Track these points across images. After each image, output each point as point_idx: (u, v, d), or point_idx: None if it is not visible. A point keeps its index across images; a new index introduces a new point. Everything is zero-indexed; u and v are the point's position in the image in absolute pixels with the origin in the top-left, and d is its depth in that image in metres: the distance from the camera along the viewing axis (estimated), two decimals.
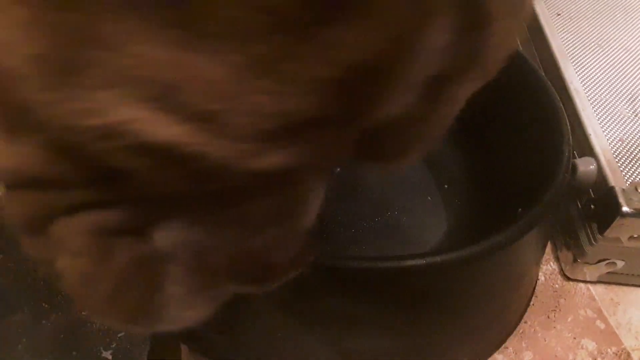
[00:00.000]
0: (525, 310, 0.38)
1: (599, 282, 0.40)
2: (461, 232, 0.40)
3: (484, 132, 0.43)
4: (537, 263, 0.38)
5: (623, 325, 0.39)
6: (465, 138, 0.45)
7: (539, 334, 0.37)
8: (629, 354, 0.37)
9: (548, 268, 0.41)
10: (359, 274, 0.27)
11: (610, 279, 0.40)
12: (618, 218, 0.34)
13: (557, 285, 0.40)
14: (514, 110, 0.40)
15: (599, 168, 0.36)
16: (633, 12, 0.52)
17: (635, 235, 0.35)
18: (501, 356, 0.36)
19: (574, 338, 0.38)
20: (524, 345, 0.37)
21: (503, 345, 0.36)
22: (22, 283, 0.30)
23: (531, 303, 0.39)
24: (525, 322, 0.38)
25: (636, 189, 0.34)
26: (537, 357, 0.36)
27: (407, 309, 0.30)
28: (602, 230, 0.35)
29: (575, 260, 0.38)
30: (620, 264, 0.37)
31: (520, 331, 0.37)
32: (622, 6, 0.53)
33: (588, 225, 0.36)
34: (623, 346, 0.37)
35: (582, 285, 0.40)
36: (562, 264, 0.40)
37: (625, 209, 0.34)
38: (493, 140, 0.42)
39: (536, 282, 0.39)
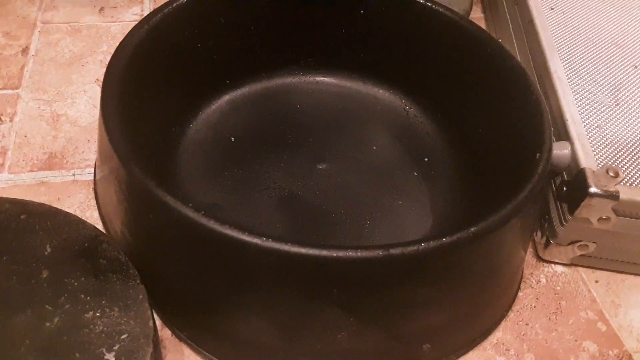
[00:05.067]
0: (513, 299, 0.39)
1: (572, 264, 0.40)
2: (448, 220, 0.41)
3: (467, 120, 0.44)
4: (524, 248, 0.39)
5: (624, 328, 0.39)
6: (448, 125, 0.46)
7: (540, 336, 0.37)
8: (630, 356, 0.37)
9: (549, 270, 0.41)
10: (327, 262, 0.28)
11: (584, 262, 0.40)
12: (587, 198, 0.34)
13: (558, 287, 0.40)
14: (493, 99, 0.41)
15: (573, 152, 0.37)
16: (625, 9, 0.53)
17: (605, 217, 0.35)
18: (503, 358, 0.36)
19: (575, 340, 0.38)
20: (525, 347, 0.37)
21: (505, 347, 0.37)
22: (25, 285, 0.31)
23: (532, 305, 0.39)
24: (527, 324, 0.38)
25: (607, 172, 0.35)
26: (538, 359, 0.36)
27: (392, 298, 0.30)
28: (572, 210, 0.36)
29: (548, 242, 0.39)
30: (592, 246, 0.38)
31: (522, 333, 0.38)
32: (615, 3, 0.53)
33: (560, 206, 0.37)
34: (624, 348, 0.38)
35: (582, 287, 0.41)
36: (537, 246, 0.41)
37: (593, 189, 0.34)
38: (476, 128, 0.43)
39: (522, 272, 0.40)
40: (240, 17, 0.46)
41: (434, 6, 0.45)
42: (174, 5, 0.41)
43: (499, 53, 0.41)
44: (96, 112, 0.48)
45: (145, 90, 0.39)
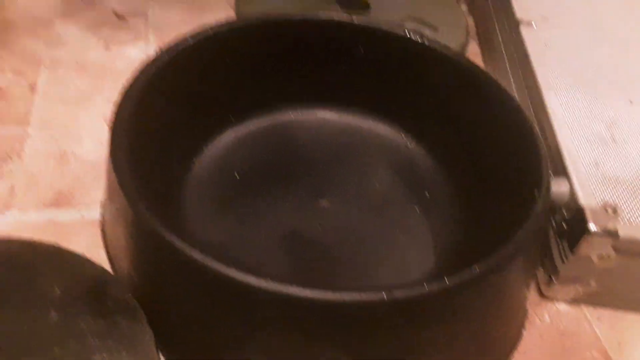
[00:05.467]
0: (518, 338, 0.38)
1: (576, 302, 0.41)
2: (450, 257, 0.41)
3: (466, 156, 0.45)
4: (528, 286, 0.39)
5: None
6: (447, 160, 0.47)
7: None
8: None
9: (553, 308, 0.41)
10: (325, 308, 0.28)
11: (587, 300, 0.41)
12: (586, 236, 0.35)
13: (562, 326, 0.40)
14: (490, 136, 0.42)
15: (571, 189, 0.38)
16: (619, 44, 0.54)
17: (605, 255, 0.36)
18: None
19: None
20: None
21: None
22: (34, 327, 0.31)
23: (537, 345, 0.39)
24: None
25: (605, 209, 0.35)
26: None
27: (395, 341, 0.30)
28: (572, 248, 0.36)
29: (550, 279, 0.40)
30: (594, 284, 0.39)
31: None
32: (608, 37, 0.55)
33: (560, 244, 0.38)
34: None
35: (586, 325, 0.41)
36: (540, 283, 0.42)
37: (592, 227, 0.35)
38: (474, 164, 0.44)
39: (526, 310, 0.40)
40: (245, 57, 0.47)
41: (430, 44, 0.47)
42: (181, 47, 0.42)
43: (495, 90, 0.42)
44: (103, 149, 0.48)
45: (152, 130, 0.39)
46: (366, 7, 0.65)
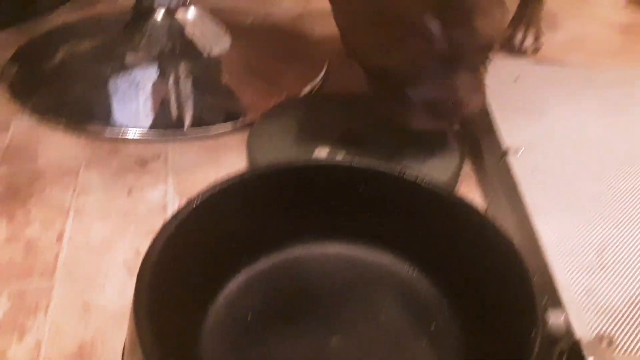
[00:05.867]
0: None
1: None
2: None
3: (467, 288, 0.47)
4: None
5: None
6: (451, 292, 0.49)
7: None
8: None
9: None
10: None
11: None
12: None
13: None
14: (485, 270, 0.44)
15: (567, 320, 0.39)
16: (605, 163, 0.58)
17: None
18: None
19: None
20: None
21: None
22: None
23: None
24: None
25: (601, 341, 0.37)
26: None
27: None
28: None
29: None
30: None
31: None
32: (595, 159, 0.59)
33: None
34: None
35: None
36: None
37: None
38: (475, 297, 0.46)
39: None
40: (256, 203, 0.51)
41: (423, 183, 0.51)
42: (198, 202, 0.47)
43: (490, 230, 0.46)
44: (123, 298, 0.52)
45: (171, 283, 0.43)
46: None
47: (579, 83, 0.75)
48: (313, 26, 1.18)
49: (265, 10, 1.25)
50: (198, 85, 0.81)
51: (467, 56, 0.57)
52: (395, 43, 0.55)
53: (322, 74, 0.93)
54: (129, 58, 0.82)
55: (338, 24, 0.63)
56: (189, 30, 0.84)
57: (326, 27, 1.16)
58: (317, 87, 0.90)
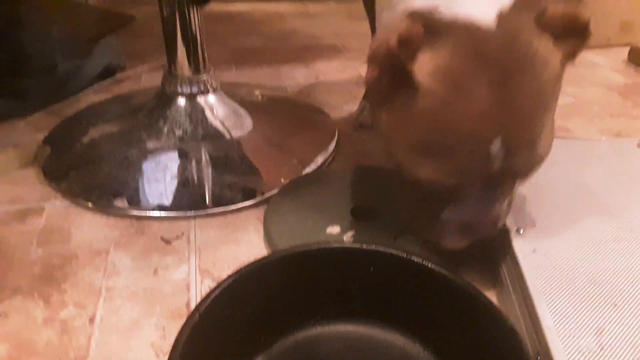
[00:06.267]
0: None
1: None
2: None
3: None
4: None
5: None
6: None
7: None
8: None
9: None
10: None
11: None
12: None
13: None
14: (490, 354, 0.47)
15: None
16: (603, 244, 0.61)
17: None
18: None
19: None
20: None
21: None
22: None
23: None
24: None
25: None
26: None
27: None
28: None
29: None
30: None
31: None
32: (593, 238, 0.62)
33: None
34: None
35: None
36: None
37: None
38: None
39: None
40: (273, 286, 0.55)
41: (429, 265, 0.55)
42: (218, 291, 0.51)
43: (490, 309, 0.49)
44: None
45: None
46: None
47: (578, 156, 0.79)
48: (323, 97, 1.25)
49: (279, 84, 1.33)
50: (218, 165, 0.87)
51: (517, 178, 0.56)
52: (451, 164, 0.52)
53: (333, 142, 0.98)
54: (153, 141, 0.89)
55: (387, 143, 0.58)
56: (209, 114, 0.90)
57: (335, 98, 1.24)
58: (330, 157, 0.95)
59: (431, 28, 0.49)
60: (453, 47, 0.49)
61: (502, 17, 0.49)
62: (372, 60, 0.52)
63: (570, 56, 0.52)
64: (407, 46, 0.48)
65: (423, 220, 0.61)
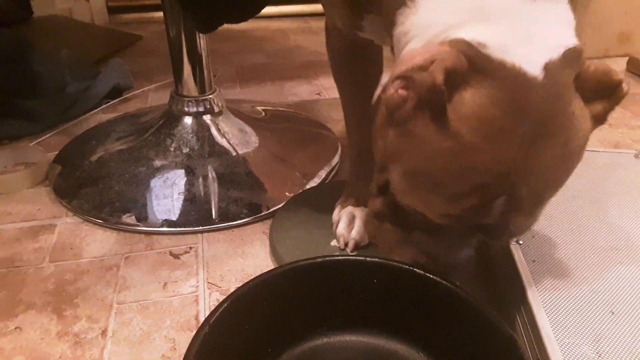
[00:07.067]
0: None
1: None
2: None
3: None
4: None
5: None
6: None
7: None
8: None
9: None
10: None
11: None
12: None
13: None
14: None
15: None
16: (602, 253, 0.62)
17: None
18: None
19: None
20: None
21: None
22: None
23: None
24: None
25: None
26: None
27: None
28: None
29: None
30: None
31: None
32: (591, 248, 0.63)
33: None
34: None
35: None
36: None
37: None
38: None
39: None
40: (279, 298, 0.57)
41: (432, 276, 0.56)
42: (226, 304, 0.53)
43: (491, 319, 0.51)
44: None
45: None
46: None
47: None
48: (326, 112, 1.27)
49: (283, 100, 1.36)
50: (224, 181, 0.89)
51: (497, 237, 0.53)
52: (447, 207, 0.49)
53: (337, 156, 1.01)
54: (161, 159, 0.91)
55: (382, 160, 0.53)
56: (215, 132, 0.93)
57: (337, 113, 1.26)
58: (333, 171, 0.97)
59: (476, 65, 0.44)
60: (496, 92, 0.44)
61: (548, 71, 0.44)
62: (405, 81, 0.45)
63: (599, 120, 0.48)
64: (449, 79, 0.43)
65: (398, 232, 0.60)
